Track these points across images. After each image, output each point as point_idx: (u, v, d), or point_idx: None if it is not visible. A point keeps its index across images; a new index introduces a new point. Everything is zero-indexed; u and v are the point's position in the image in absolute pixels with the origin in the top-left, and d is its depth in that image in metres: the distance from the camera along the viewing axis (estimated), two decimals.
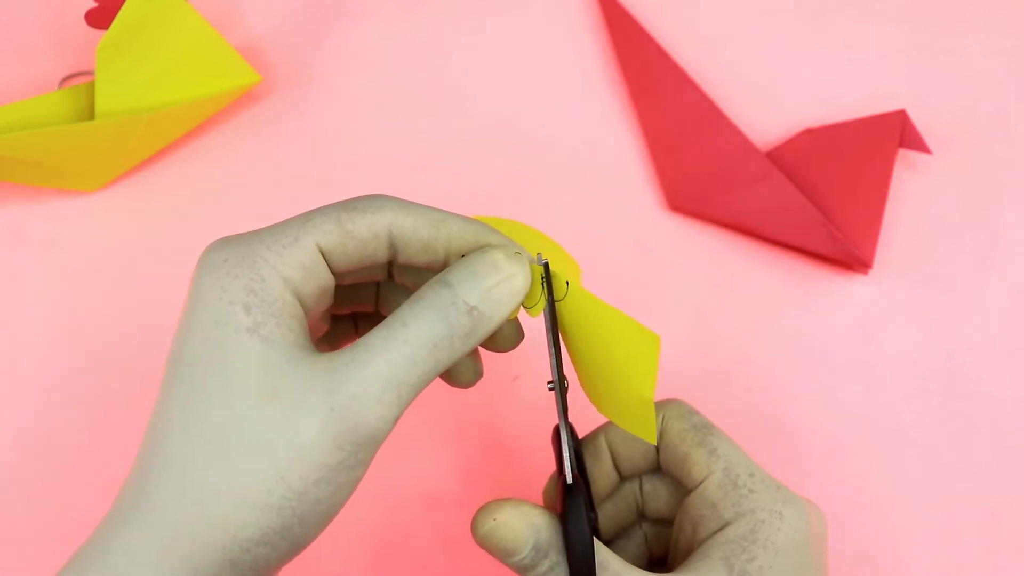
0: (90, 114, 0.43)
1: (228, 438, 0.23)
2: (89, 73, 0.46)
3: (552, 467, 0.37)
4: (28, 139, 0.40)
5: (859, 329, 0.43)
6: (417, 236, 0.26)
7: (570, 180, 0.45)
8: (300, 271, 0.25)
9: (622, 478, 0.33)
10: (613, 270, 0.43)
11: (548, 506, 0.33)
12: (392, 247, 0.26)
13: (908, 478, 0.40)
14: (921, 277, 0.44)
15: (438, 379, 0.28)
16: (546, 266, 0.27)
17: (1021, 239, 0.44)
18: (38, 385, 0.41)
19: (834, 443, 0.41)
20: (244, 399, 0.23)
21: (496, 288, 0.25)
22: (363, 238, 0.26)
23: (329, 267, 0.26)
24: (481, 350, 0.29)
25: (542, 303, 0.27)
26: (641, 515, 0.34)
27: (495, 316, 0.25)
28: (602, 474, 0.32)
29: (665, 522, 0.33)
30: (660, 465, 0.32)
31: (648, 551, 0.34)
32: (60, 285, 0.43)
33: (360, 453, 0.24)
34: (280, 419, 0.23)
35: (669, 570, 0.32)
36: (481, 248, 0.26)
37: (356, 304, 0.31)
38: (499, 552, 0.27)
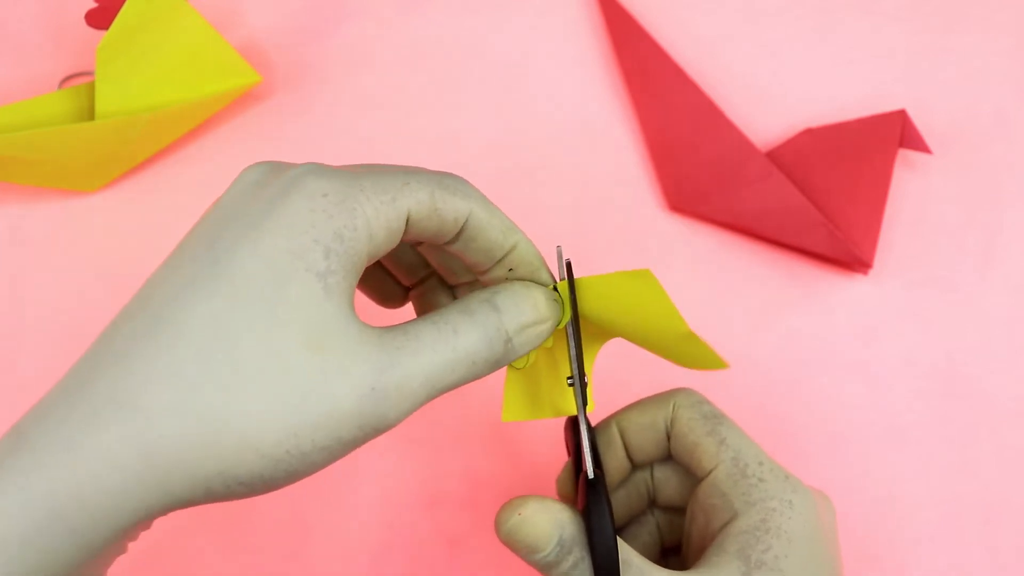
0: (90, 114, 0.43)
1: (256, 374, 0.22)
2: (89, 73, 0.46)
3: (563, 458, 0.37)
4: (28, 139, 0.40)
5: (859, 329, 0.43)
6: (484, 236, 0.26)
7: (570, 180, 0.45)
8: (386, 232, 0.24)
9: (634, 466, 0.33)
10: (613, 270, 0.43)
11: (561, 496, 0.33)
12: (461, 232, 0.26)
13: (908, 478, 0.40)
14: (921, 277, 0.44)
15: None
16: (568, 264, 0.28)
17: (1021, 239, 0.44)
18: (38, 385, 0.41)
19: (834, 443, 0.41)
20: (286, 341, 0.22)
21: (530, 329, 0.26)
22: (446, 218, 0.25)
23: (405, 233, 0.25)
24: None
25: (565, 317, 0.28)
26: (652, 503, 0.34)
27: (520, 353, 0.26)
28: (614, 462, 0.33)
29: (677, 510, 0.34)
30: (671, 454, 0.32)
31: (660, 539, 0.34)
32: (60, 285, 0.43)
33: (369, 438, 0.24)
34: (318, 376, 0.22)
35: (683, 560, 0.32)
36: (527, 283, 0.27)
37: None
38: (523, 549, 0.27)
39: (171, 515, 0.39)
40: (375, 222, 0.23)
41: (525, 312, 0.26)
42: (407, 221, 0.24)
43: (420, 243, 0.29)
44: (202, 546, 0.38)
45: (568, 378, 0.29)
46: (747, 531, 0.28)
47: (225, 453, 0.21)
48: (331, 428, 0.22)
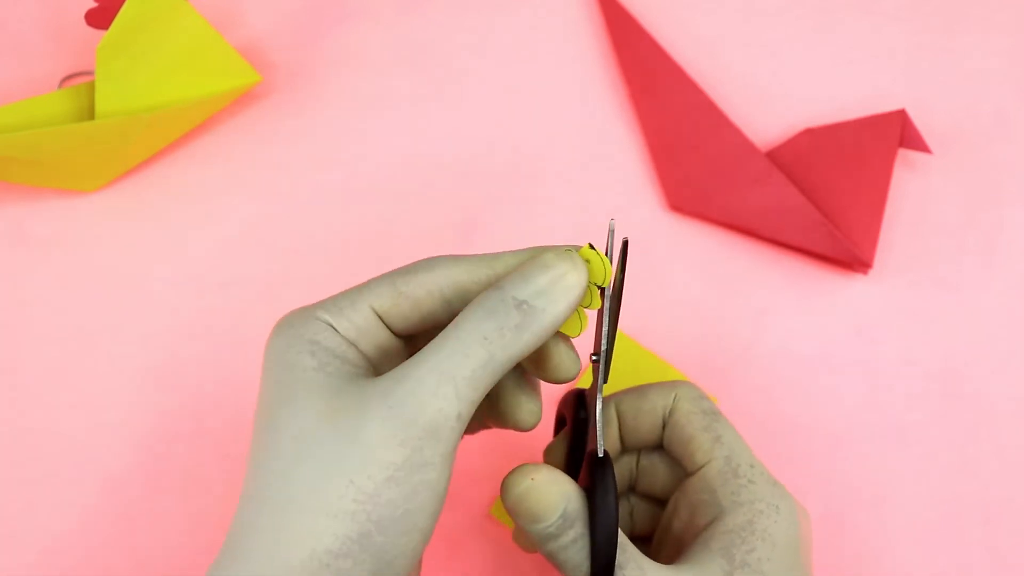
0: (90, 114, 0.43)
1: (297, 455, 0.24)
2: (89, 73, 0.46)
3: (549, 432, 0.37)
4: (28, 139, 0.40)
5: (859, 329, 0.43)
6: (476, 282, 0.27)
7: (570, 180, 0.45)
8: (354, 330, 0.26)
9: (624, 449, 0.33)
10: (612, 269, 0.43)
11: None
12: (449, 303, 0.27)
13: (908, 478, 0.40)
14: (921, 277, 0.44)
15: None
16: (625, 242, 0.27)
17: (1021, 239, 0.44)
18: (38, 385, 0.41)
19: (834, 443, 0.41)
20: (310, 420, 0.24)
21: (548, 285, 0.25)
22: (417, 297, 0.27)
23: (389, 328, 0.27)
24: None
25: (596, 301, 0.27)
26: (631, 488, 0.34)
27: (549, 310, 0.25)
28: (607, 442, 0.33)
29: (652, 500, 0.34)
30: (663, 443, 0.32)
31: (632, 526, 0.34)
32: (60, 285, 0.43)
33: (425, 449, 0.24)
34: (345, 429, 0.24)
35: (654, 549, 0.33)
36: (531, 250, 0.27)
37: None
38: (528, 516, 0.27)
39: (178, 524, 0.39)
40: (339, 324, 0.26)
41: (535, 276, 0.25)
42: (379, 315, 0.27)
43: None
44: (205, 546, 0.38)
45: (592, 355, 0.28)
46: (733, 531, 0.29)
47: (303, 529, 0.24)
48: (374, 458, 0.24)
